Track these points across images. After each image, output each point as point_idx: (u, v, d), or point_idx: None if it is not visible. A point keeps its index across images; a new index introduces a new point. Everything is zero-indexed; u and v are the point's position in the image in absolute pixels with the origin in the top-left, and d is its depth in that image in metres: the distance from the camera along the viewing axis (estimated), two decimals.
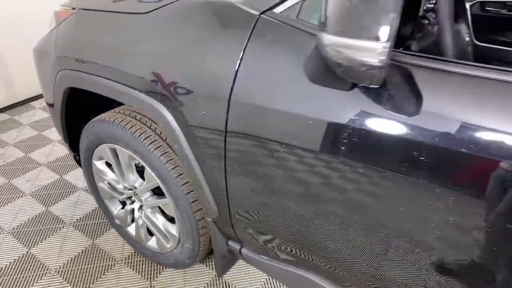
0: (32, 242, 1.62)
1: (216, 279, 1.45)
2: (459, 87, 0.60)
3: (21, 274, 1.47)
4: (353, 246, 0.81)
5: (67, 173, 2.08)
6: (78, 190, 1.94)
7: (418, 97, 0.61)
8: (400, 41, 1.08)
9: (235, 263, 1.38)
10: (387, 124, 0.64)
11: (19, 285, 1.42)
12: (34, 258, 1.54)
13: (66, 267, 1.50)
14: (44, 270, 1.49)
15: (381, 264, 0.79)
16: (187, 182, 1.13)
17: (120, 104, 1.34)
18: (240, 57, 0.82)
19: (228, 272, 1.47)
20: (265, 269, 1.16)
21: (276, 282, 1.45)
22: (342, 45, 0.47)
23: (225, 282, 1.44)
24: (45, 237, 1.65)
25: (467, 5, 1.82)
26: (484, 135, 0.58)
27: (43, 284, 1.43)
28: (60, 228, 1.70)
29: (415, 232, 0.69)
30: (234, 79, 0.83)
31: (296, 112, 0.75)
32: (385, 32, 0.44)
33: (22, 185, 1.98)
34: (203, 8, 0.94)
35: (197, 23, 0.93)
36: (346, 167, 0.73)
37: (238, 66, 0.82)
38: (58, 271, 1.49)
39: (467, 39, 1.01)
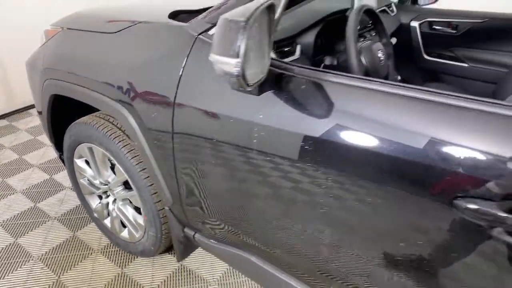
0: (19, 233, 1.80)
1: (181, 268, 1.61)
2: (333, 93, 0.79)
3: (6, 260, 1.64)
4: (287, 231, 0.97)
5: (57, 173, 2.27)
6: (65, 189, 2.13)
7: (300, 99, 0.79)
8: (324, 56, 1.28)
9: (194, 250, 1.55)
10: (280, 121, 0.83)
11: (4, 269, 1.59)
12: (19, 246, 1.72)
13: (48, 255, 1.67)
14: (28, 257, 1.66)
15: (315, 250, 0.93)
16: (149, 176, 1.31)
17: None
18: (183, 66, 1.02)
19: (191, 261, 1.64)
20: (216, 252, 1.32)
21: (236, 270, 1.61)
22: (218, 61, 0.66)
23: (189, 270, 1.60)
24: (31, 229, 1.82)
25: (417, 24, 2.03)
26: (349, 133, 0.76)
27: (26, 269, 1.60)
28: (46, 221, 1.88)
29: (323, 217, 0.85)
30: (178, 85, 1.02)
31: (222, 113, 0.94)
32: (237, 51, 0.63)
33: (14, 183, 2.17)
34: (159, 30, 1.14)
35: (154, 41, 1.13)
36: (261, 160, 0.91)
37: (181, 74, 1.02)
38: (41, 259, 1.66)
39: (379, 55, 1.19)
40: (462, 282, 0.72)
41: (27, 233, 1.80)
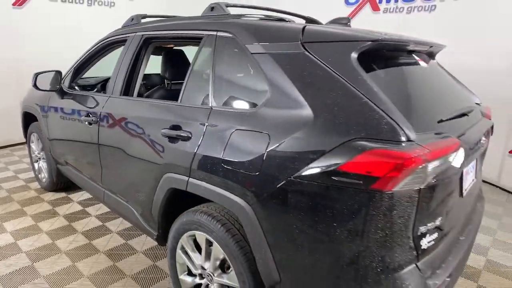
0: None
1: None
2: (80, 98, 2.59)
3: None
4: (79, 154, 2.68)
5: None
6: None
7: (74, 100, 2.62)
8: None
9: (67, 180, 3.21)
10: (65, 108, 2.65)
11: None
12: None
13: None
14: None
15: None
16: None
17: None
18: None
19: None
20: (65, 173, 3.01)
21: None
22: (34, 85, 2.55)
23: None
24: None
25: None
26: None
27: None
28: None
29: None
30: (49, 98, 2.90)
31: (54, 106, 2.77)
32: (32, 80, 2.48)
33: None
34: None
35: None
36: (67, 126, 2.69)
37: (50, 95, 2.90)
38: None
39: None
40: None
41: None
